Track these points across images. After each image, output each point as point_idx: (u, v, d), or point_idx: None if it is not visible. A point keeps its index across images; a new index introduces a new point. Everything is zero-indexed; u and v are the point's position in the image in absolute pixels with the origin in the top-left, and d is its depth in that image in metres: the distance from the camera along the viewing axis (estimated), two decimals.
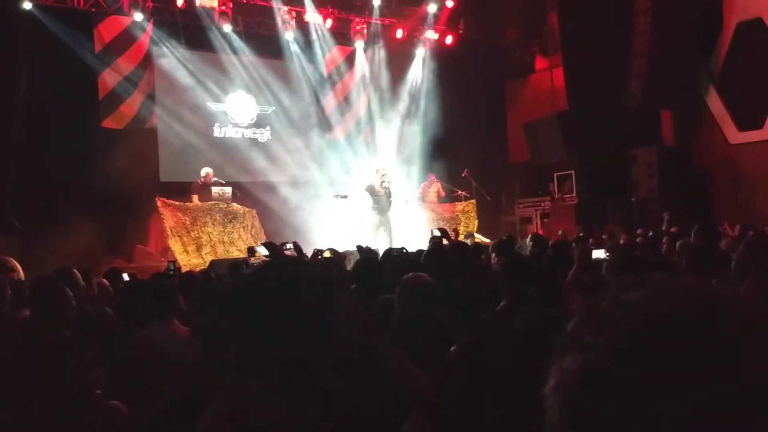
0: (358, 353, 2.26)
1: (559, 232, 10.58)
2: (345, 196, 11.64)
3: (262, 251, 5.41)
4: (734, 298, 0.56)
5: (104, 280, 5.39)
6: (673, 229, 9.11)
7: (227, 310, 1.33)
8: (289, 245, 5.78)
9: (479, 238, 12.36)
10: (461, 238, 11.18)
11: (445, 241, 6.92)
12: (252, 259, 7.08)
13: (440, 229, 8.12)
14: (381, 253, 6.59)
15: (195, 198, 10.88)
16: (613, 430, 0.52)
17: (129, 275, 6.24)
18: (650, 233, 8.80)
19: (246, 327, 1.24)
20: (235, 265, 6.26)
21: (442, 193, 13.27)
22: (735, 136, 13.56)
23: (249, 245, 10.47)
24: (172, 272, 8.11)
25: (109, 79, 11.75)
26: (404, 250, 6.88)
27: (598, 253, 4.89)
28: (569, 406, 0.55)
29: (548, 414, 0.56)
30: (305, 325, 1.23)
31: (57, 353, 2.07)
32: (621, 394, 0.51)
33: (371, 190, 11.45)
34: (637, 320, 0.54)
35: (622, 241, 8.11)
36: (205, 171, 11.31)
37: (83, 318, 3.80)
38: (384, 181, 11.50)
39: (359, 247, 7.01)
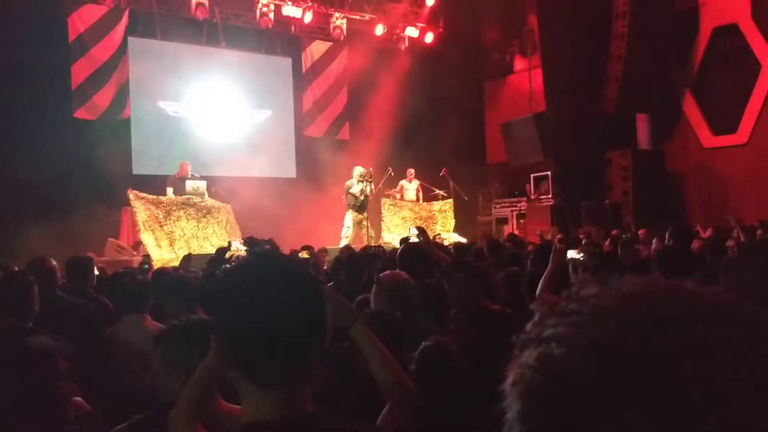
0: (333, 344, 2.22)
1: (538, 232, 10.64)
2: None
3: (239, 246, 5.30)
4: (694, 292, 0.55)
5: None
6: (640, 232, 9.20)
7: (216, 308, 1.28)
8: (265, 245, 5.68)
9: (456, 238, 12.37)
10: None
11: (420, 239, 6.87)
12: (228, 253, 6.95)
13: (418, 228, 8.08)
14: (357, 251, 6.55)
15: (169, 191, 10.70)
16: (574, 422, 0.50)
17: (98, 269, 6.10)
18: (624, 235, 8.87)
19: (239, 325, 1.20)
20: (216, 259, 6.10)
21: (421, 195, 13.14)
22: (709, 140, 13.75)
23: (223, 240, 10.37)
24: (146, 267, 7.98)
25: (83, 68, 11.50)
26: (381, 248, 6.84)
27: (572, 254, 4.89)
28: (528, 400, 0.53)
29: (508, 412, 0.55)
30: (299, 320, 1.21)
31: (42, 365, 2.00)
32: (579, 385, 0.50)
33: (350, 188, 11.44)
34: (592, 311, 0.54)
35: (607, 243, 8.14)
36: (181, 164, 11.13)
37: (58, 309, 3.77)
38: (363, 181, 11.47)
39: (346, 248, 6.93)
